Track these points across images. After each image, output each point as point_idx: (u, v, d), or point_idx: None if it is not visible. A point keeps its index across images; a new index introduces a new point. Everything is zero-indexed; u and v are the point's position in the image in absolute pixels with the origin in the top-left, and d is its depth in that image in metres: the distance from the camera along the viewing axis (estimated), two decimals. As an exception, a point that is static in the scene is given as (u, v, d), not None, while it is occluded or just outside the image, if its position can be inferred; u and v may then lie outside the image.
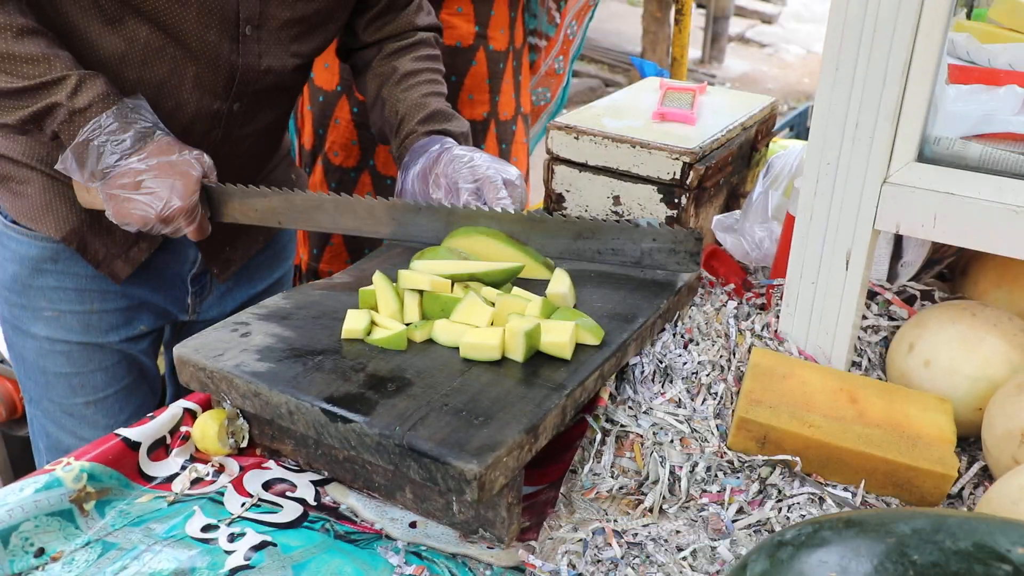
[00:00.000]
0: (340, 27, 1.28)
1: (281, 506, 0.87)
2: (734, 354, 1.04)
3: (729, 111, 1.41)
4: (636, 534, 0.82)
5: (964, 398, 0.95)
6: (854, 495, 0.87)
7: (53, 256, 1.21)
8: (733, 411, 0.96)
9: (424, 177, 1.18)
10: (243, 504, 0.86)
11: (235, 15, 1.10)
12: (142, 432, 0.90)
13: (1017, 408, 0.86)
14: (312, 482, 0.90)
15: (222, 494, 0.88)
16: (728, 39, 7.81)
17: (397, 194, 1.23)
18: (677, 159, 1.23)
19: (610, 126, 1.30)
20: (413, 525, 0.85)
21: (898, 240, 1.16)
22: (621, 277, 1.08)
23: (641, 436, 0.93)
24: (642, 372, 1.00)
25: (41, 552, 0.79)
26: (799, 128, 2.73)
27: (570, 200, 1.34)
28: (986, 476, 0.91)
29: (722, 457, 0.91)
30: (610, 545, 0.81)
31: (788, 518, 0.84)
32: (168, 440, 0.93)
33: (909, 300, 1.14)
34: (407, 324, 0.94)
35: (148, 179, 1.01)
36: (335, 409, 0.81)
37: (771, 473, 0.88)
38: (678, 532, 0.83)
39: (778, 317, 1.08)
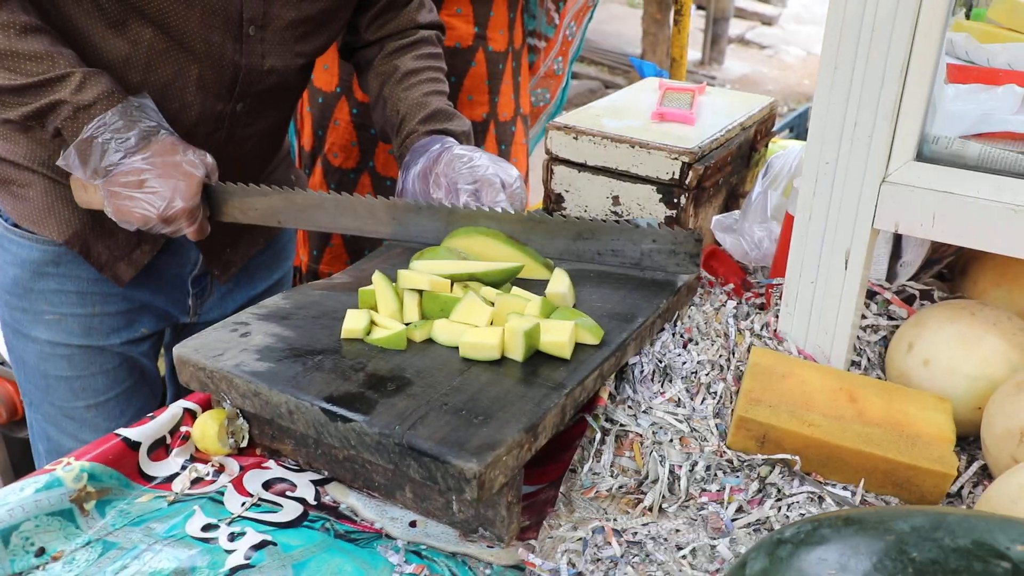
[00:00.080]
0: (343, 26, 1.28)
1: (281, 505, 0.87)
2: (733, 353, 1.04)
3: (728, 111, 1.41)
4: (636, 533, 0.82)
5: (963, 397, 0.95)
6: (853, 494, 0.87)
7: (55, 259, 1.21)
8: (732, 410, 0.96)
9: (424, 177, 1.18)
10: (243, 504, 0.86)
11: (239, 15, 1.10)
12: (142, 432, 0.91)
13: (1016, 407, 0.86)
14: (312, 481, 0.90)
15: (222, 494, 0.88)
16: (728, 41, 7.82)
17: (398, 194, 1.23)
18: (676, 159, 1.23)
19: (609, 126, 1.30)
20: (413, 524, 0.85)
21: (897, 240, 1.16)
22: (620, 277, 1.08)
23: (640, 435, 0.93)
24: (641, 371, 1.00)
25: (42, 552, 0.79)
26: (799, 129, 2.73)
27: (569, 200, 1.34)
28: (985, 475, 0.91)
29: (721, 456, 0.91)
30: (610, 544, 0.81)
31: (788, 517, 0.84)
32: (168, 440, 0.93)
33: (908, 300, 1.15)
34: (406, 324, 0.95)
35: (151, 178, 1.01)
36: (335, 408, 0.81)
37: (770, 472, 0.88)
38: (678, 531, 0.83)
39: (777, 317, 1.08)
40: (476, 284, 1.00)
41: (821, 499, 0.86)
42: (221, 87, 1.15)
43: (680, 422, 0.95)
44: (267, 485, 0.89)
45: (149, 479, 0.90)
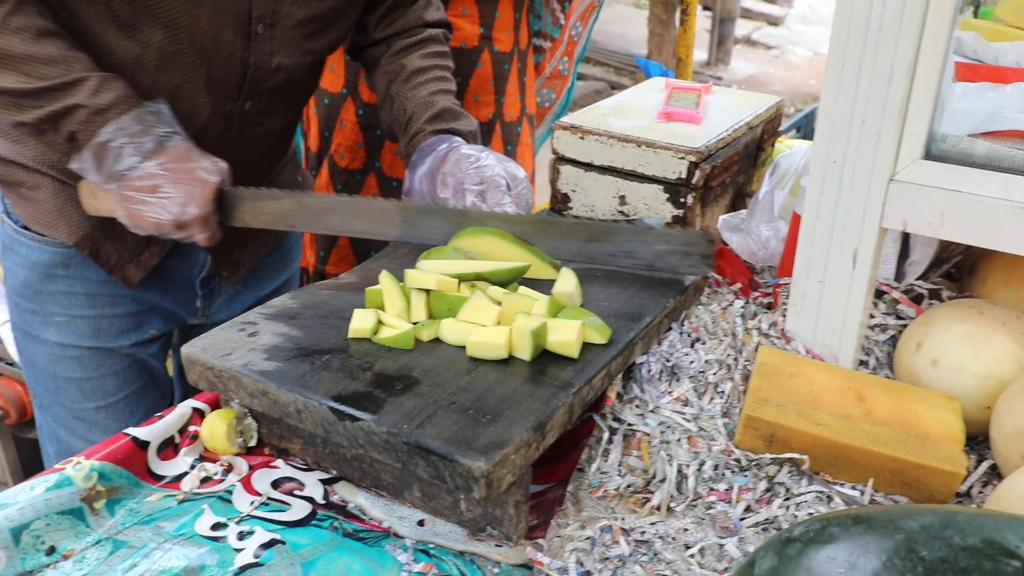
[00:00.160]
0: (352, 24, 1.29)
1: (290, 504, 0.87)
2: (741, 353, 1.04)
3: (735, 110, 1.41)
4: (644, 532, 0.82)
5: (972, 396, 0.94)
6: (862, 493, 0.87)
7: (64, 261, 1.21)
8: (740, 410, 0.96)
9: (431, 176, 1.18)
10: (252, 503, 0.87)
11: (248, 14, 1.10)
12: (151, 431, 0.91)
13: (1026, 405, 0.85)
14: (320, 481, 0.91)
15: (231, 493, 0.88)
16: (734, 41, 7.81)
17: (405, 193, 1.24)
18: (683, 158, 1.23)
19: (615, 126, 1.30)
20: (421, 523, 0.86)
21: (905, 239, 1.16)
22: (628, 276, 1.08)
23: (648, 435, 0.93)
24: (649, 371, 1.00)
25: (52, 550, 0.80)
26: (806, 129, 2.73)
27: (576, 200, 1.34)
28: (995, 475, 0.91)
29: (729, 455, 0.91)
30: (618, 543, 0.81)
31: (796, 516, 0.84)
32: (177, 439, 0.93)
33: (916, 299, 1.14)
34: (414, 323, 0.95)
35: (165, 184, 1.01)
36: (343, 407, 0.81)
37: (779, 471, 0.88)
38: (686, 530, 0.83)
39: (785, 316, 1.08)
40: (483, 283, 1.00)
41: (829, 498, 0.86)
42: (230, 86, 1.15)
43: (688, 421, 0.94)
44: (276, 484, 0.90)
45: (158, 478, 0.90)
